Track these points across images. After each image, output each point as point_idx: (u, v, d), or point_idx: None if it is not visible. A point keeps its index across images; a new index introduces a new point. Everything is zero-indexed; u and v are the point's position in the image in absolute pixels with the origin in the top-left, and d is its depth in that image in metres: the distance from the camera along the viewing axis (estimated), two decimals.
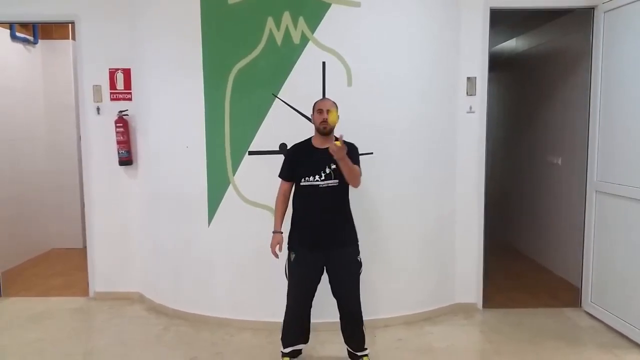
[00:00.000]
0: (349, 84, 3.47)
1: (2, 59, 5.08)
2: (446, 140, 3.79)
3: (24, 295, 4.34)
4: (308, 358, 3.16)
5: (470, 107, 3.82)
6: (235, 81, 3.51)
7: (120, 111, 4.10)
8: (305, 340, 3.01)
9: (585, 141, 3.87)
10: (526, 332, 3.54)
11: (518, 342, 3.39)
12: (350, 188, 2.91)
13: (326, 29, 3.44)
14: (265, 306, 3.61)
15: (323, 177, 2.78)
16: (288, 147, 3.46)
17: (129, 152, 4.12)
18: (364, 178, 3.55)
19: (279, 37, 3.45)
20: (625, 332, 3.42)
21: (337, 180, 2.80)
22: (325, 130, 2.80)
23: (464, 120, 3.83)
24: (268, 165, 3.49)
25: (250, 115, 3.53)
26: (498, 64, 5.57)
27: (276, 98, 3.49)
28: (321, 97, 3.40)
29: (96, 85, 4.15)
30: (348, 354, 2.98)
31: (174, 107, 3.73)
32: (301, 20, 3.43)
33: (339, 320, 2.93)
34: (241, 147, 3.56)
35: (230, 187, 3.60)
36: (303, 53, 3.45)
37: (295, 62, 3.46)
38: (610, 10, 3.57)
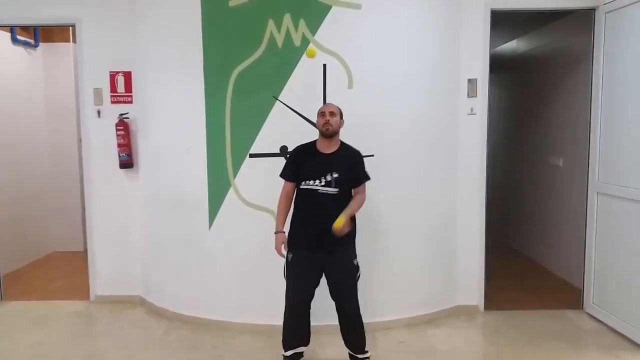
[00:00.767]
0: (350, 85, 3.47)
1: (3, 62, 5.08)
2: (447, 142, 3.79)
3: (25, 299, 4.33)
4: None
5: (472, 109, 3.82)
6: (236, 84, 3.51)
7: (121, 114, 4.10)
8: (305, 342, 2.99)
9: (587, 142, 3.86)
10: (528, 334, 3.53)
11: (520, 344, 3.38)
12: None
13: (327, 31, 3.44)
14: (266, 309, 3.60)
15: (323, 183, 2.77)
16: (289, 149, 3.47)
17: (129, 155, 4.12)
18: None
19: (279, 39, 3.44)
20: (628, 333, 3.41)
21: (337, 189, 2.78)
22: (327, 132, 2.79)
23: (465, 122, 3.82)
24: (269, 167, 3.49)
25: (251, 118, 3.53)
26: (499, 65, 5.56)
27: (277, 100, 3.48)
28: (325, 100, 3.43)
29: (97, 88, 4.15)
30: (349, 356, 2.98)
31: (175, 110, 3.73)
32: (302, 22, 3.42)
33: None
34: (242, 150, 3.55)
35: (231, 190, 3.60)
36: (304, 55, 3.44)
37: (296, 65, 3.46)
38: (611, 11, 3.57)
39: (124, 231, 4.22)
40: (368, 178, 2.90)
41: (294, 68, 3.46)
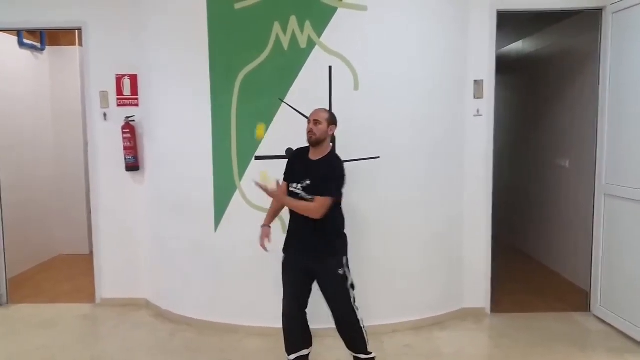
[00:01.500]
0: (356, 87, 3.47)
1: (10, 66, 5.10)
2: (454, 144, 3.78)
3: (31, 302, 4.34)
4: None
5: (478, 110, 3.81)
6: (241, 86, 3.51)
7: (127, 117, 4.11)
8: (307, 345, 2.97)
9: (593, 143, 3.84)
10: (535, 337, 3.50)
11: (527, 347, 3.36)
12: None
13: (333, 33, 3.44)
14: (273, 312, 3.58)
15: (300, 188, 2.76)
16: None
17: (135, 157, 4.12)
18: (371, 181, 3.55)
19: (285, 41, 3.44)
20: (636, 336, 3.38)
21: (310, 196, 2.72)
22: (310, 140, 2.79)
23: (472, 124, 3.81)
24: (275, 170, 3.48)
25: (257, 120, 3.53)
26: (504, 66, 5.55)
27: (282, 103, 3.48)
28: (331, 102, 3.44)
29: (103, 91, 4.16)
30: (353, 358, 2.96)
31: (181, 112, 3.74)
32: (308, 24, 3.42)
33: None
34: (248, 152, 3.55)
35: (237, 192, 3.59)
36: (309, 57, 3.45)
37: (302, 67, 3.46)
38: (618, 11, 3.55)
39: (129, 234, 4.23)
40: (329, 193, 2.67)
41: (300, 70, 3.46)
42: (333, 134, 2.87)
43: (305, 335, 2.95)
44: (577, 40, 4.56)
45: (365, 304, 3.58)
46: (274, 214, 2.99)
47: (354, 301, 2.83)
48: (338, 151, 3.46)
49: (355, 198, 3.52)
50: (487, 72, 3.80)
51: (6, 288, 4.33)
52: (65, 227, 5.83)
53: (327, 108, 3.43)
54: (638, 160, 3.35)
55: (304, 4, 3.44)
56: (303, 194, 2.74)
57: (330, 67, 3.45)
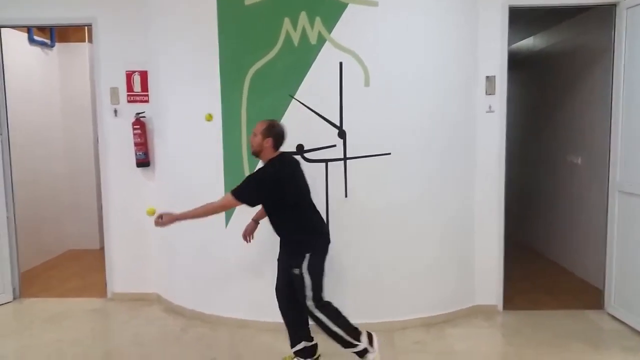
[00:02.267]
0: (367, 83, 3.45)
1: (20, 63, 5.13)
2: (465, 140, 3.75)
3: (42, 296, 4.38)
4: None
5: (490, 107, 3.77)
6: (252, 82, 3.50)
7: (138, 113, 4.12)
8: (306, 338, 3.01)
9: (606, 140, 3.80)
10: (548, 335, 3.48)
11: (540, 345, 3.33)
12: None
13: (343, 29, 3.41)
14: None
15: None
16: (305, 148, 3.47)
17: (146, 153, 4.13)
18: (382, 179, 3.54)
19: (295, 37, 3.43)
20: None
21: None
22: (251, 151, 2.93)
23: (484, 120, 3.78)
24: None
25: (267, 117, 3.49)
26: (515, 63, 5.50)
27: (293, 99, 3.47)
28: (341, 99, 3.45)
29: (113, 88, 4.17)
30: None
31: (191, 108, 3.73)
32: (318, 20, 3.41)
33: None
34: None
35: None
36: (320, 53, 3.43)
37: (312, 63, 3.44)
38: (633, 6, 3.50)
39: (140, 229, 4.24)
40: (232, 190, 2.80)
41: (310, 66, 3.44)
42: (271, 145, 2.87)
43: (299, 330, 3.00)
44: (589, 36, 4.50)
45: (376, 300, 3.60)
46: (261, 212, 3.12)
47: (311, 300, 2.80)
48: (348, 148, 3.47)
49: (365, 195, 3.52)
50: (499, 68, 3.76)
51: (18, 282, 4.36)
52: (75, 222, 5.88)
53: (339, 104, 3.43)
54: None
55: (315, 0, 3.42)
56: None
57: (340, 63, 3.43)
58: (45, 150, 5.55)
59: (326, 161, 3.49)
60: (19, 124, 4.97)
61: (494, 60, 3.76)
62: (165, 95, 3.90)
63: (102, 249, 4.62)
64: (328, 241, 2.95)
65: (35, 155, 5.35)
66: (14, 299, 4.29)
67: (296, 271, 2.82)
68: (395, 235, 3.57)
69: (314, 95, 3.46)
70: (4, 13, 4.16)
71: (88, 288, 4.55)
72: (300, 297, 2.83)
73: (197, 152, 3.73)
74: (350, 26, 3.42)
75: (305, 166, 3.47)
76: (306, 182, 2.98)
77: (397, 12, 3.44)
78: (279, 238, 2.96)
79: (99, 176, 4.44)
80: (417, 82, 3.52)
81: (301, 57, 3.45)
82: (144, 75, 4.14)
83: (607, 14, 3.79)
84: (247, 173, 3.57)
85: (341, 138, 3.48)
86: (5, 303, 4.20)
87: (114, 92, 4.18)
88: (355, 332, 2.82)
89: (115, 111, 4.19)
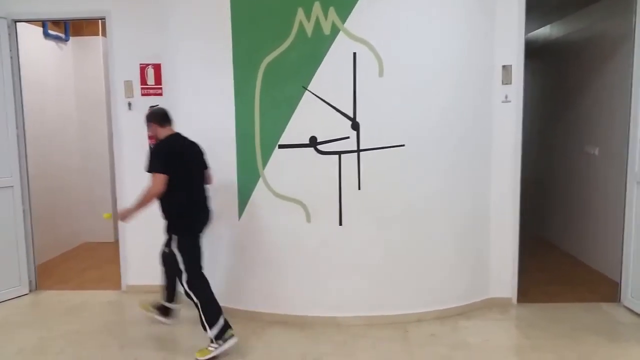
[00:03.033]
0: (381, 74, 3.41)
1: (36, 57, 5.16)
2: (481, 131, 3.70)
3: (58, 288, 4.43)
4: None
5: (506, 96, 3.72)
6: (265, 74, 3.49)
7: (151, 106, 4.12)
8: (168, 299, 3.57)
9: (625, 130, 3.72)
10: (564, 327, 3.44)
11: (556, 338, 3.29)
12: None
13: (357, 19, 3.38)
14: (296, 300, 3.60)
15: None
16: (319, 140, 3.45)
17: None
18: (396, 171, 3.51)
19: (309, 28, 3.40)
20: None
21: None
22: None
23: (500, 110, 3.72)
24: (298, 158, 3.47)
25: (280, 108, 3.51)
26: (531, 52, 5.42)
27: (306, 91, 3.45)
28: (355, 90, 3.42)
29: (127, 81, 4.18)
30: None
31: (204, 101, 3.73)
32: (332, 10, 3.38)
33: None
34: (271, 141, 3.54)
35: (260, 181, 3.59)
36: (334, 44, 3.40)
37: (326, 54, 3.41)
38: None
39: (154, 221, 4.23)
40: (147, 170, 3.12)
41: (324, 57, 3.42)
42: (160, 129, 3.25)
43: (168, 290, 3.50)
44: (608, 23, 4.41)
45: (390, 292, 3.59)
46: None
47: (185, 281, 3.13)
48: (362, 139, 3.44)
49: (379, 188, 3.50)
50: (516, 57, 3.70)
51: (35, 275, 4.42)
52: (90, 215, 5.92)
53: (353, 95, 3.41)
54: None
55: None
56: None
57: (354, 54, 3.40)
58: (60, 143, 5.60)
59: (339, 153, 3.47)
60: (35, 118, 5.01)
61: (511, 49, 3.70)
62: (179, 87, 3.90)
63: (117, 241, 4.65)
64: (203, 224, 3.26)
65: (50, 149, 5.40)
66: (31, 291, 4.35)
67: (167, 250, 3.20)
68: (410, 227, 3.54)
69: (328, 86, 3.43)
70: (20, 8, 4.19)
71: (103, 280, 4.60)
72: (176, 274, 3.19)
73: (211, 144, 3.72)
74: (364, 16, 3.39)
75: (318, 158, 3.48)
76: (200, 166, 3.25)
77: (412, 1, 3.40)
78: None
79: (113, 169, 4.46)
80: (432, 72, 3.48)
81: (315, 48, 3.43)
82: (157, 68, 4.14)
83: (627, 0, 3.70)
84: (260, 164, 3.57)
85: (354, 130, 3.45)
86: (22, 295, 4.26)
87: (127, 85, 4.19)
88: (214, 319, 3.08)
89: (130, 104, 4.21)
